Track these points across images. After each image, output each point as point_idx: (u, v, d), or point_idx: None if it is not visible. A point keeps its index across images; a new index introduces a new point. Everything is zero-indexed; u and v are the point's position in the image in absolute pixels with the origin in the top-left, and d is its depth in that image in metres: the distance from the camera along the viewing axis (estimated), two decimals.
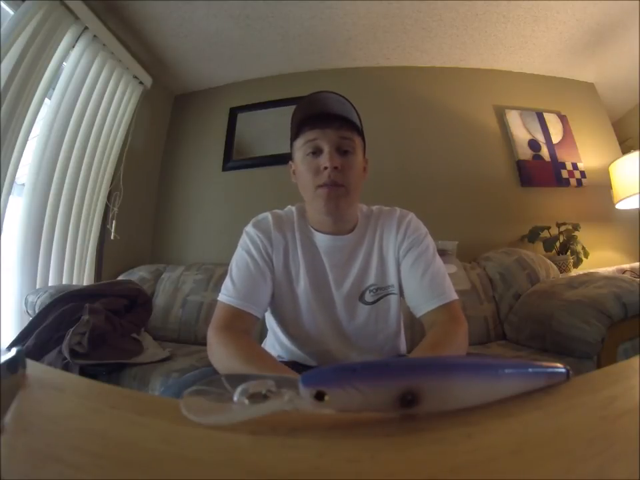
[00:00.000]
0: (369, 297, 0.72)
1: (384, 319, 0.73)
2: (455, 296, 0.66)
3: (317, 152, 0.65)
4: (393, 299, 0.73)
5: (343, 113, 0.65)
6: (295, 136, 0.69)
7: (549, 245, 1.71)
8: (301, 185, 0.70)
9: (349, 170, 0.65)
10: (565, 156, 2.02)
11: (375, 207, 0.79)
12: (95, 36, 1.57)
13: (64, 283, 1.50)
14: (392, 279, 0.72)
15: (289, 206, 0.80)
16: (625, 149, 2.03)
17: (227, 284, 0.67)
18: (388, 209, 0.78)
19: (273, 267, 0.71)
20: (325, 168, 0.63)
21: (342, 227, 0.72)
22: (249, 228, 0.74)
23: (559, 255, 1.72)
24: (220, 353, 0.59)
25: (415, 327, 1.22)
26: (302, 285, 0.71)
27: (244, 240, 0.73)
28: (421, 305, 0.66)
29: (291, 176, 0.75)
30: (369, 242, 0.73)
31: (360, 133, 0.69)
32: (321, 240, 0.72)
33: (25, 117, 1.29)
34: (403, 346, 0.81)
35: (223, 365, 0.58)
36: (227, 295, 0.66)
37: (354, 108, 0.68)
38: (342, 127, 0.65)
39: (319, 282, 0.71)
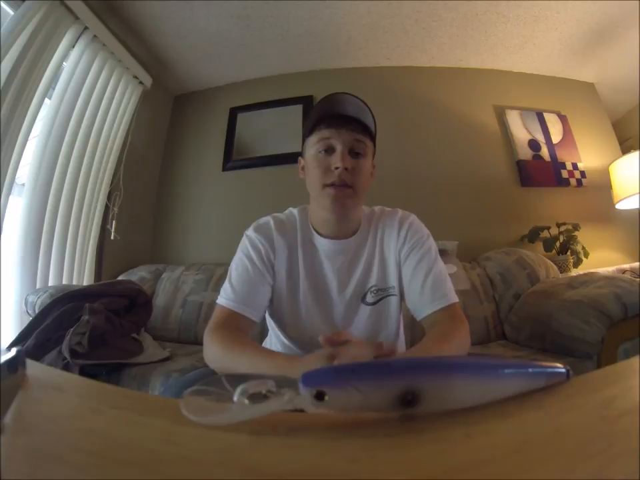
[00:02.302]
0: (370, 297, 0.72)
1: (384, 320, 0.73)
2: (455, 298, 0.66)
3: (329, 150, 0.65)
4: (393, 300, 0.73)
5: (359, 116, 0.65)
6: (309, 132, 0.68)
7: (548, 245, 1.71)
8: (309, 182, 0.70)
9: (359, 172, 0.66)
10: (565, 156, 2.02)
11: (376, 208, 0.79)
12: (95, 36, 1.57)
13: (64, 283, 1.50)
14: (392, 281, 0.72)
15: (290, 208, 0.79)
16: (625, 149, 2.02)
17: (225, 287, 0.68)
18: (390, 210, 0.77)
19: (274, 272, 0.71)
20: (337, 168, 0.64)
21: (345, 228, 0.72)
22: (250, 232, 0.73)
23: (559, 255, 1.72)
24: (209, 348, 0.59)
25: (415, 328, 1.22)
26: (302, 289, 0.71)
27: (244, 244, 0.72)
28: (423, 308, 0.66)
29: (299, 172, 0.75)
30: (371, 243, 0.73)
31: (372, 138, 0.69)
32: (323, 244, 0.72)
33: (25, 116, 1.29)
34: (402, 348, 0.81)
35: (210, 357, 0.59)
36: (225, 297, 0.66)
37: (371, 113, 0.68)
38: (356, 129, 0.65)
39: (319, 285, 0.72)
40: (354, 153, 0.65)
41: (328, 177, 0.65)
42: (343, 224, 0.71)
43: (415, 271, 0.68)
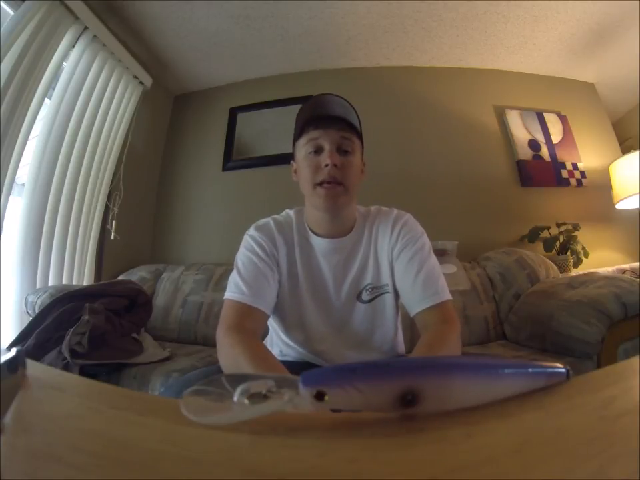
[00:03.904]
0: (365, 295, 0.73)
1: (380, 317, 0.74)
2: (448, 296, 0.66)
3: (318, 150, 0.67)
4: (388, 298, 0.73)
5: (345, 116, 0.67)
6: (298, 135, 0.70)
7: (548, 245, 1.71)
8: (301, 183, 0.71)
9: (348, 169, 0.67)
10: (565, 156, 2.02)
11: (373, 207, 0.80)
12: (95, 36, 1.57)
13: (64, 283, 1.50)
14: (386, 279, 0.73)
15: (286, 210, 0.80)
16: (625, 149, 2.02)
17: (235, 282, 0.67)
18: (386, 210, 0.78)
19: (279, 269, 0.72)
20: (326, 165, 0.65)
21: (339, 226, 0.73)
22: (252, 232, 0.74)
23: (559, 255, 1.72)
24: (228, 355, 0.58)
25: (414, 328, 1.21)
26: (302, 287, 0.72)
27: (248, 242, 0.73)
28: (414, 305, 0.66)
29: (292, 175, 0.76)
30: (366, 242, 0.74)
31: (359, 136, 0.71)
32: (319, 243, 0.73)
33: (25, 116, 1.29)
34: (401, 346, 0.82)
35: (230, 368, 0.58)
36: (237, 292, 0.65)
37: (355, 111, 0.70)
38: (343, 128, 0.67)
39: (317, 283, 0.72)
40: (342, 151, 0.67)
41: (318, 175, 0.66)
42: (337, 222, 0.72)
43: (407, 268, 0.68)
